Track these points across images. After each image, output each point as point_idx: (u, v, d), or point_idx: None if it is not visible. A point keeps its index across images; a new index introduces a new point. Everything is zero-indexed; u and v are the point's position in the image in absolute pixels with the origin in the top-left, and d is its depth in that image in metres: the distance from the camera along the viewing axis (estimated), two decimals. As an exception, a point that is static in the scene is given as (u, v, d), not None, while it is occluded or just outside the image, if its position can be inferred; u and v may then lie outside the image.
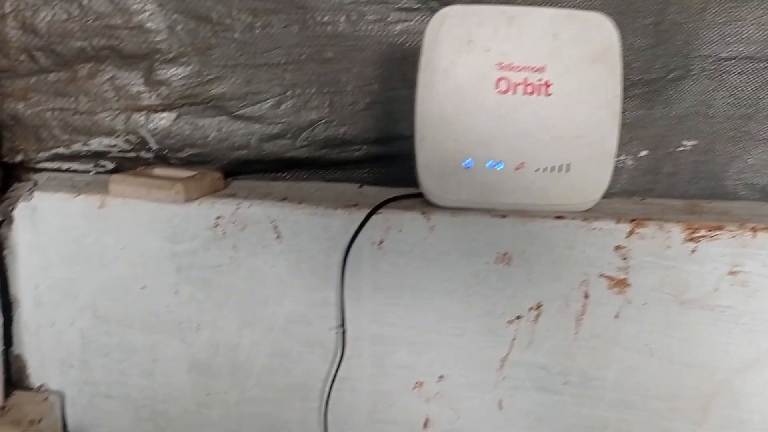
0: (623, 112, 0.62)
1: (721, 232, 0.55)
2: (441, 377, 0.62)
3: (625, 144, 0.66)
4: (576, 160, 0.56)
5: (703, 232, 0.55)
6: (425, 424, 0.63)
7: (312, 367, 0.63)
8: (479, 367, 0.61)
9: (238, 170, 0.69)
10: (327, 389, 0.63)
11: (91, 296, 0.63)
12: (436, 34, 0.55)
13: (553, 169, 0.56)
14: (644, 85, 0.65)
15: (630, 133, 0.66)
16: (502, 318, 0.59)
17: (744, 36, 0.63)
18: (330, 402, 0.63)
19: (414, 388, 0.62)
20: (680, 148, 0.66)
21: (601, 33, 0.55)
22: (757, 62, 0.64)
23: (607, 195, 0.60)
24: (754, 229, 0.55)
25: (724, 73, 0.64)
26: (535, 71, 0.55)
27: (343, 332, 0.61)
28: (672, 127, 0.66)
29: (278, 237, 0.59)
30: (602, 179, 0.58)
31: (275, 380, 0.64)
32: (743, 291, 0.56)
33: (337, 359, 0.62)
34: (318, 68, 0.65)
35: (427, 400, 0.63)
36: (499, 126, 0.56)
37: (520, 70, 0.55)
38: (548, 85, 0.55)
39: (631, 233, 0.56)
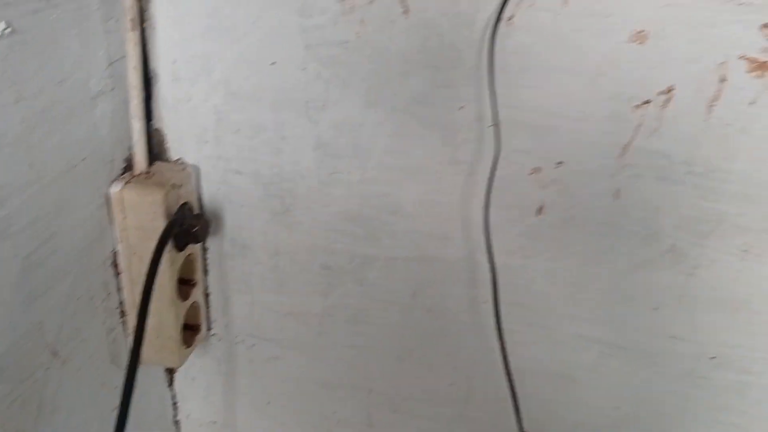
0: None
1: None
2: (559, 163, 0.62)
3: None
4: (729, -71, 0.53)
5: None
6: (539, 211, 0.65)
7: (432, 150, 0.65)
8: (599, 154, 0.61)
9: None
10: (475, 187, 0.65)
11: (224, 72, 0.66)
12: None
13: (702, -63, 0.53)
14: None
15: None
16: (629, 102, 0.58)
17: None
18: (447, 187, 0.65)
19: (531, 173, 0.63)
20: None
21: None
22: None
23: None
24: None
25: None
26: None
27: (496, 127, 0.61)
28: None
29: (405, 12, 0.59)
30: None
31: (395, 162, 0.66)
32: None
33: (483, 161, 0.63)
34: None
35: (543, 186, 0.63)
36: None
37: None
38: None
39: (782, 9, 0.52)
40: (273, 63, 0.64)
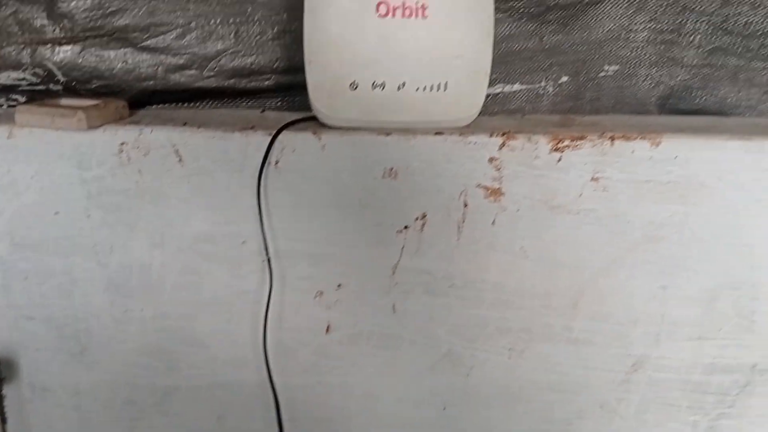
0: (541, 38, 0.67)
1: (583, 141, 0.61)
2: (339, 286, 0.67)
3: (544, 70, 0.70)
4: (453, 79, 0.61)
5: (567, 142, 0.61)
6: (327, 330, 0.69)
7: (220, 283, 0.68)
8: (373, 275, 0.67)
9: (147, 101, 0.72)
10: (263, 313, 0.68)
11: (7, 224, 0.66)
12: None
13: (432, 87, 0.61)
14: (561, 10, 0.68)
15: (550, 58, 0.70)
16: (391, 228, 0.65)
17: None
18: (237, 316, 0.68)
19: (315, 297, 0.68)
20: (602, 74, 0.71)
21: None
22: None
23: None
24: (612, 138, 0.61)
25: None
26: (410, -4, 0.59)
27: (269, 261, 0.65)
28: (592, 52, 0.70)
29: (180, 161, 0.63)
30: (478, 96, 0.62)
31: (187, 296, 0.68)
32: (604, 195, 0.62)
33: (267, 289, 0.66)
34: (222, -1, 0.68)
35: (328, 307, 0.68)
36: (381, 48, 0.60)
37: (396, -4, 0.59)
38: (425, 8, 0.59)
39: (503, 145, 0.61)
40: (56, 213, 0.66)
